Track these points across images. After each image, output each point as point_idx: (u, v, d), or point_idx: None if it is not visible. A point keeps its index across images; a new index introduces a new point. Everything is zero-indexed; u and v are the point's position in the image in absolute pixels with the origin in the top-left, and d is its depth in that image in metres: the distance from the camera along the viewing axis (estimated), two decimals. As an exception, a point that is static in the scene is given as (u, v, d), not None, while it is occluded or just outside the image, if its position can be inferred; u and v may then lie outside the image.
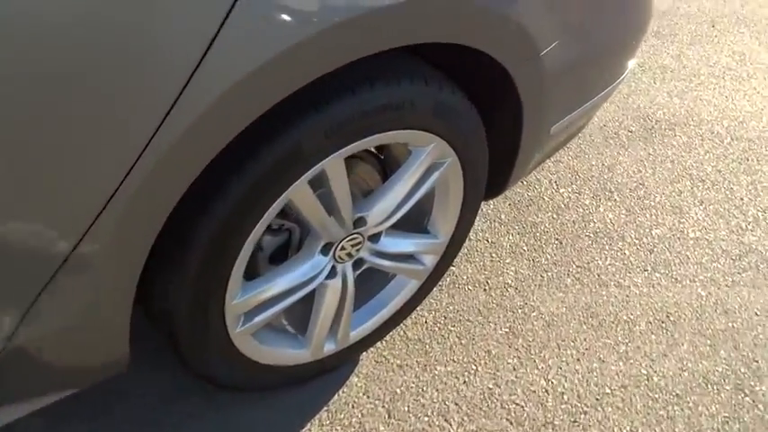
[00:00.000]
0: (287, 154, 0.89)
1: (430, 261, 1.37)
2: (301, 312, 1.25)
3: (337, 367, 1.41)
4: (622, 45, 1.32)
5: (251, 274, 1.14)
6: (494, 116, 1.22)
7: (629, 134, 2.30)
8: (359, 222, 1.15)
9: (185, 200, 0.88)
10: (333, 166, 0.97)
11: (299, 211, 1.02)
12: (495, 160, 1.31)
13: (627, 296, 1.72)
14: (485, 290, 1.68)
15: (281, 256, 1.17)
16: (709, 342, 1.63)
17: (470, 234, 1.83)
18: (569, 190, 2.04)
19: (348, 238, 1.15)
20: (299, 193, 0.96)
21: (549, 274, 1.75)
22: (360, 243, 1.19)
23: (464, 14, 0.92)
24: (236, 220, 0.91)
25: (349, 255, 1.19)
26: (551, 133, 1.33)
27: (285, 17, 0.73)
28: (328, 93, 0.90)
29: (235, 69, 0.72)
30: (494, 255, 1.79)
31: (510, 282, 1.72)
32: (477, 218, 1.89)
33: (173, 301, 0.96)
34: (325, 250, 1.15)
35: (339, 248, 1.16)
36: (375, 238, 1.22)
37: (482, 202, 1.78)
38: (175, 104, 0.72)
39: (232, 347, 1.10)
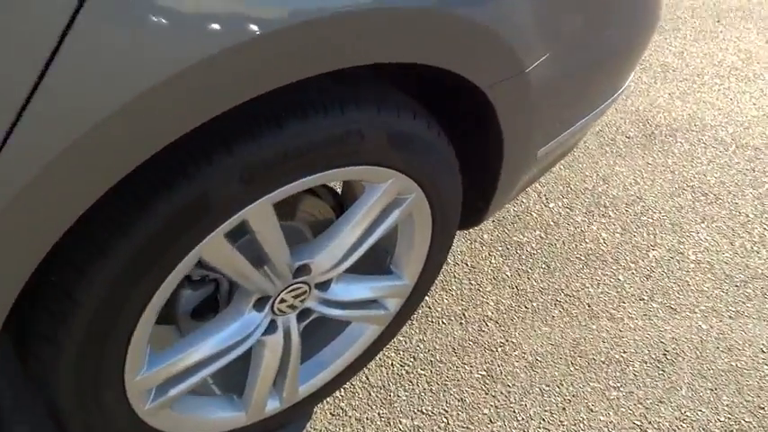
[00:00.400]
0: (189, 205, 0.68)
1: (393, 305, 1.17)
2: (234, 369, 1.05)
3: (284, 425, 1.22)
4: (628, 53, 1.11)
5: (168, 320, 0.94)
6: (470, 142, 1.01)
7: (627, 140, 2.10)
8: (302, 270, 0.95)
9: (58, 259, 0.68)
10: (257, 214, 0.77)
11: (215, 269, 0.81)
12: (473, 188, 1.11)
13: (620, 330, 1.54)
14: (461, 324, 1.49)
15: (209, 308, 0.97)
16: (710, 385, 1.45)
17: (448, 257, 1.63)
18: (560, 204, 1.84)
19: (288, 290, 0.95)
20: (212, 250, 0.76)
21: (535, 304, 1.56)
22: (305, 293, 0.98)
23: (422, 28, 0.70)
24: (125, 288, 0.70)
25: (291, 307, 0.99)
26: (538, 157, 1.13)
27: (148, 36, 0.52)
28: (244, 127, 0.69)
29: (78, 114, 0.51)
30: (473, 282, 1.59)
31: (490, 314, 1.52)
32: (457, 238, 1.69)
33: (53, 383, 0.76)
34: (260, 305, 0.95)
35: (278, 301, 0.95)
36: (324, 285, 1.02)
37: (460, 231, 1.58)
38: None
39: (140, 424, 0.90)
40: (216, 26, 0.55)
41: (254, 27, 0.58)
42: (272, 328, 0.99)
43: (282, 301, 0.96)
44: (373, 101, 0.79)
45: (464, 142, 1.01)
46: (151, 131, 0.57)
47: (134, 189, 0.67)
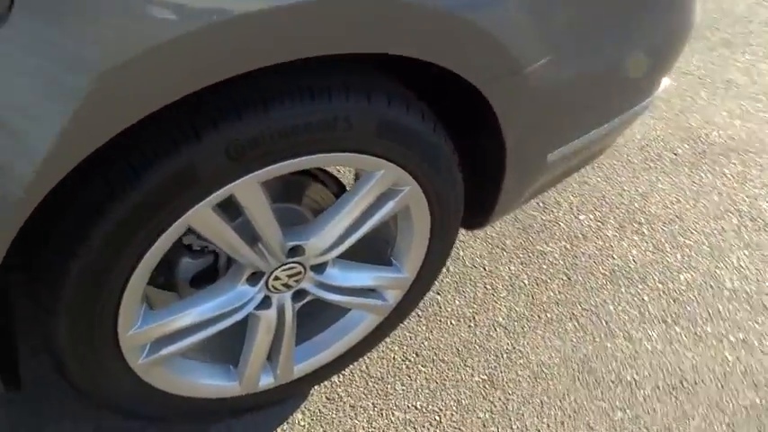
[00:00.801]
0: (176, 175, 0.73)
1: (393, 297, 1.18)
2: (234, 340, 1.10)
3: (281, 401, 1.27)
4: (645, 62, 1.07)
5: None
6: (474, 139, 1.02)
7: (675, 157, 2.02)
8: (295, 251, 0.98)
9: (53, 218, 0.74)
10: (244, 191, 0.81)
11: (206, 240, 0.86)
12: (479, 187, 1.11)
13: (636, 351, 1.48)
14: (470, 326, 1.49)
15: (208, 278, 1.03)
16: (727, 420, 1.38)
17: (466, 259, 1.63)
18: (591, 217, 1.80)
19: (283, 268, 0.99)
20: (200, 220, 0.81)
21: (549, 315, 1.53)
22: (300, 273, 1.02)
23: (407, 21, 0.72)
24: (117, 246, 0.76)
25: (286, 285, 1.03)
26: (549, 161, 1.11)
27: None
28: (232, 105, 0.73)
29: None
30: (488, 286, 1.58)
31: (501, 320, 1.51)
32: (478, 241, 1.68)
33: (50, 329, 0.83)
34: (254, 279, 0.99)
35: (272, 278, 1.00)
36: (319, 268, 1.06)
37: (482, 235, 1.57)
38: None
39: (136, 379, 0.97)
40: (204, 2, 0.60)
41: (240, 5, 0.61)
42: (265, 303, 1.03)
43: (276, 278, 1.00)
44: (364, 90, 0.81)
45: (468, 141, 1.02)
46: (135, 98, 0.62)
47: (128, 157, 0.73)
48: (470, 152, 1.04)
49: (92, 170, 0.73)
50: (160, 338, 0.95)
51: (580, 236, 1.74)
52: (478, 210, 1.17)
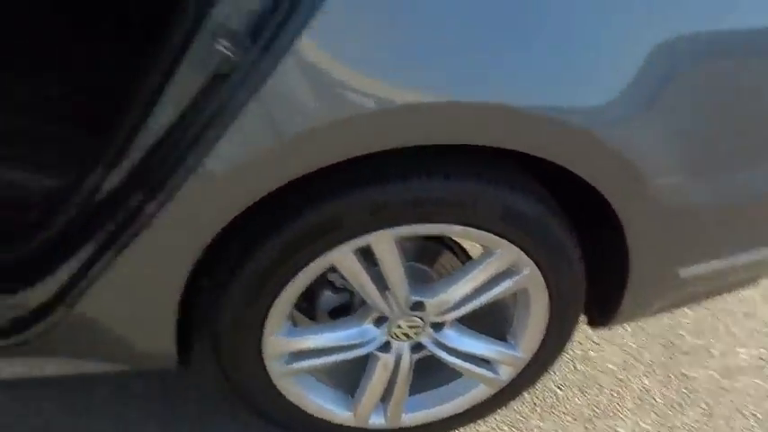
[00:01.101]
0: (327, 220, 0.94)
1: (506, 373, 1.25)
2: (357, 374, 1.27)
3: (385, 444, 1.38)
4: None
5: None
6: (600, 238, 1.08)
7: None
8: (419, 306, 1.13)
9: (229, 242, 0.98)
10: (380, 242, 0.99)
11: (344, 277, 1.05)
12: (605, 285, 1.15)
13: None
14: (586, 428, 1.46)
15: (344, 313, 1.21)
16: None
17: (598, 361, 1.60)
18: (754, 353, 1.64)
19: (405, 319, 1.14)
20: (342, 260, 1.00)
21: (678, 441, 1.44)
22: (419, 327, 1.16)
23: (532, 126, 0.85)
24: (269, 271, 0.98)
25: (406, 335, 1.17)
26: (682, 276, 1.12)
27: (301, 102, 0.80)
28: (379, 173, 0.93)
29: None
30: (615, 394, 1.53)
31: (621, 431, 1.45)
32: (614, 347, 1.65)
33: (214, 328, 1.08)
34: (379, 322, 1.15)
35: (394, 326, 1.15)
36: (438, 327, 1.18)
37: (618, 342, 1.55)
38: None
39: (271, 385, 1.17)
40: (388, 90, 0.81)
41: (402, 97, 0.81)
42: (386, 347, 1.18)
43: (399, 327, 1.15)
44: (495, 178, 0.95)
45: (595, 238, 1.09)
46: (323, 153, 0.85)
47: (293, 199, 0.95)
48: (597, 249, 1.10)
49: (261, 206, 0.96)
50: (294, 353, 1.15)
51: (735, 369, 1.60)
52: (603, 308, 1.20)
